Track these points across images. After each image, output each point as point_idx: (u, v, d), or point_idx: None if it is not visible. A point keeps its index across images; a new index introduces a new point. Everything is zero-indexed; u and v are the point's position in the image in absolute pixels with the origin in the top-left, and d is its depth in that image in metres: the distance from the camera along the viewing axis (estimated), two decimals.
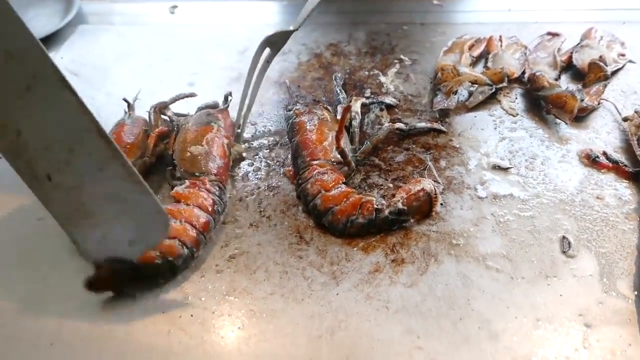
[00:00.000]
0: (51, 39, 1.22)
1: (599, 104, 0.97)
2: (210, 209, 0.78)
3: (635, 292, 0.70)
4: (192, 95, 1.00)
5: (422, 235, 0.79)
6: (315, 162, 0.84)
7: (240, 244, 0.79)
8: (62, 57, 1.18)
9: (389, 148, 0.92)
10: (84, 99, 1.03)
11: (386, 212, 0.78)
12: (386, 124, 0.93)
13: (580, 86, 1.00)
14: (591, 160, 0.87)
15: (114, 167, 0.63)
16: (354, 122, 0.92)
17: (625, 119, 0.94)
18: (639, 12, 1.23)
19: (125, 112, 0.97)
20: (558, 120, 0.95)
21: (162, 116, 0.96)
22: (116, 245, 0.69)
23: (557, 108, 0.94)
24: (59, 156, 0.62)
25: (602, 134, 0.93)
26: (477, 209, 0.82)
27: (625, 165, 0.86)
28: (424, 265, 0.75)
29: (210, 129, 0.89)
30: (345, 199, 0.79)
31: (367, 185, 0.86)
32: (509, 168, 0.88)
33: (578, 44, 1.08)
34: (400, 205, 0.78)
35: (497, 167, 0.88)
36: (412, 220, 0.80)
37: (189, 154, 0.85)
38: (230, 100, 0.99)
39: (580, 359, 0.64)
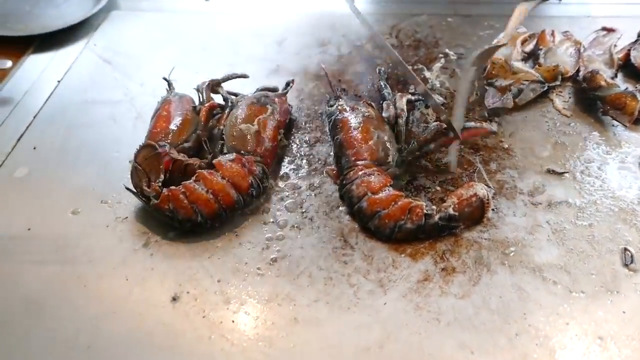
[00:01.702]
0: (83, 26, 1.19)
1: None
2: (244, 190, 0.77)
3: None
4: (244, 76, 0.98)
5: (473, 242, 0.75)
6: (360, 163, 0.80)
7: (281, 247, 0.75)
8: (95, 45, 1.15)
9: None
10: (117, 89, 1.03)
11: (436, 217, 0.74)
12: (433, 123, 0.87)
13: (639, 87, 0.95)
14: None
15: None
16: (399, 120, 0.88)
17: None
18: None
19: (168, 90, 0.95)
20: (615, 123, 0.90)
21: (213, 94, 0.94)
22: None
23: (616, 109, 0.89)
24: None
25: None
26: (531, 216, 0.78)
27: None
28: (476, 275, 0.71)
29: (265, 110, 0.87)
30: (393, 203, 0.75)
31: (414, 187, 0.82)
32: (563, 173, 0.83)
33: (636, 41, 1.03)
34: (451, 211, 0.74)
35: (551, 172, 0.83)
36: (462, 227, 0.76)
37: (239, 130, 0.83)
38: (291, 87, 0.95)
39: None
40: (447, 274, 0.71)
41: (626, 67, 1.01)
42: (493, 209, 0.78)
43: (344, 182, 0.80)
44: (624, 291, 0.69)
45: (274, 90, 0.93)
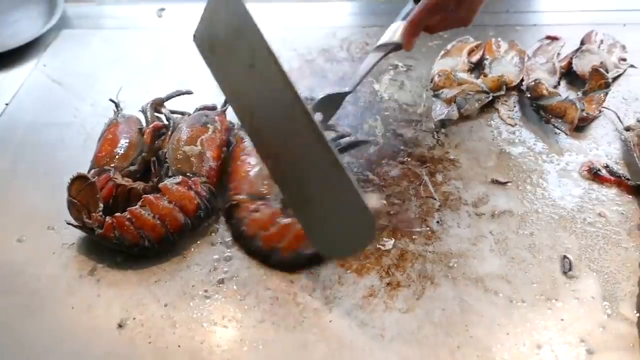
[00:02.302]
0: (33, 45, 1.18)
1: (599, 112, 0.94)
2: (192, 212, 0.77)
3: (638, 315, 0.68)
4: (188, 92, 0.98)
5: (418, 256, 0.76)
6: (239, 197, 0.80)
7: (229, 268, 0.76)
8: (44, 65, 1.14)
9: (383, 162, 0.89)
10: (67, 110, 1.02)
11: None
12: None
13: (580, 94, 0.97)
14: (593, 174, 0.84)
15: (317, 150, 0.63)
16: None
17: (627, 129, 0.91)
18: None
19: (115, 112, 0.94)
20: (558, 131, 0.92)
21: (157, 114, 0.94)
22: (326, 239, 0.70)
23: (557, 118, 0.91)
24: (279, 136, 0.69)
25: (603, 145, 0.90)
26: (475, 227, 0.79)
27: (628, 179, 0.83)
28: (420, 288, 0.72)
29: (206, 129, 0.87)
30: (287, 233, 0.76)
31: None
32: (507, 182, 0.85)
33: (578, 49, 1.05)
34: None
35: (495, 181, 0.85)
36: None
37: (182, 153, 0.83)
38: (228, 105, 0.95)
39: None
40: (392, 288, 0.72)
41: (569, 75, 1.04)
42: (438, 221, 0.80)
43: (233, 221, 0.80)
44: (563, 298, 0.70)
45: (213, 108, 0.94)
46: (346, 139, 0.92)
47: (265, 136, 0.71)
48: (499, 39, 1.10)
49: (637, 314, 0.68)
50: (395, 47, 0.88)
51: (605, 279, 0.72)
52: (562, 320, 0.68)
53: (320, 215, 0.68)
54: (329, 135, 0.93)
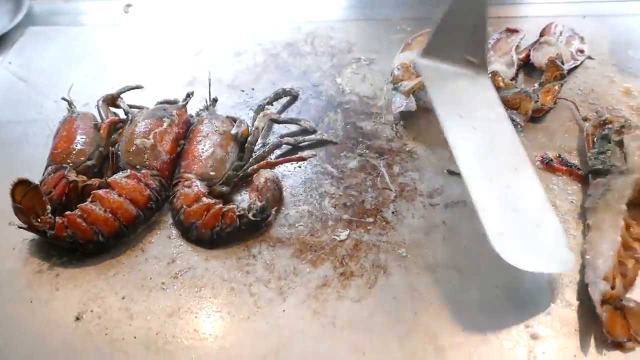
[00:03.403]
0: None
1: (555, 103, 0.96)
2: (143, 204, 0.78)
3: (578, 302, 0.70)
4: (138, 87, 1.01)
5: (372, 246, 0.78)
6: (185, 175, 0.83)
7: (187, 260, 0.77)
8: (10, 62, 1.14)
9: (342, 154, 0.91)
10: (31, 107, 1.03)
11: (250, 215, 0.77)
12: (274, 140, 0.91)
13: (537, 85, 0.99)
14: (545, 164, 0.87)
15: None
16: (250, 138, 0.89)
17: (585, 119, 0.93)
18: (599, 5, 1.22)
19: (69, 110, 0.95)
20: (514, 123, 0.94)
21: (114, 108, 0.96)
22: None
23: (512, 109, 0.93)
24: None
25: (559, 135, 0.92)
26: (429, 217, 0.81)
27: (579, 169, 0.85)
28: (373, 278, 0.74)
29: (161, 123, 0.88)
30: (206, 212, 0.78)
31: (319, 194, 0.85)
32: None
33: (536, 41, 1.07)
34: (259, 204, 0.77)
35: (450, 172, 0.87)
36: (273, 212, 0.80)
37: (134, 146, 0.84)
38: (190, 98, 0.98)
39: None
40: (346, 278, 0.74)
41: (527, 66, 1.06)
42: (393, 212, 0.82)
43: (170, 194, 0.83)
44: (511, 286, 0.72)
45: (174, 102, 0.95)
46: (311, 137, 0.93)
47: None
48: None
49: (578, 301, 0.70)
50: None
51: None
52: (509, 307, 0.70)
53: None
54: (292, 128, 0.95)
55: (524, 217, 0.73)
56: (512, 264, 0.67)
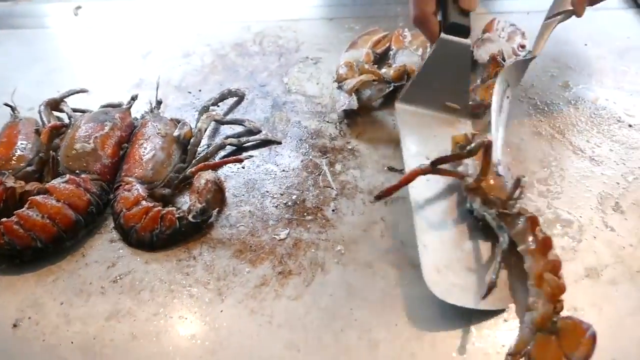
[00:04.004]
0: None
1: None
2: (82, 209, 0.78)
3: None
4: (83, 90, 1.01)
5: (311, 244, 0.79)
6: (126, 179, 0.83)
7: (128, 264, 0.77)
8: None
9: (285, 153, 0.92)
10: None
11: (190, 217, 0.78)
12: (218, 140, 0.92)
13: (479, 82, 1.01)
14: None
15: None
16: (193, 140, 0.89)
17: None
18: (544, 1, 1.23)
19: (12, 115, 0.94)
20: None
21: (58, 113, 0.95)
22: None
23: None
24: None
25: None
26: (368, 214, 0.82)
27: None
28: (311, 276, 0.75)
29: (102, 127, 0.88)
30: (144, 216, 0.78)
31: (261, 194, 0.85)
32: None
33: (479, 38, 1.09)
34: (199, 205, 0.78)
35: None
36: (214, 213, 0.81)
37: (74, 151, 0.84)
38: (134, 101, 0.98)
39: None
40: (284, 277, 0.75)
41: (472, 64, 1.07)
42: (333, 210, 0.83)
43: (112, 197, 0.83)
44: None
45: (117, 106, 0.95)
46: (255, 137, 0.94)
47: None
48: (405, 29, 1.13)
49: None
50: (568, 13, 0.92)
51: None
52: (442, 302, 0.71)
53: None
54: (237, 129, 0.96)
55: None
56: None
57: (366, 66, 1.01)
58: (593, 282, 0.72)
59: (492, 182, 0.77)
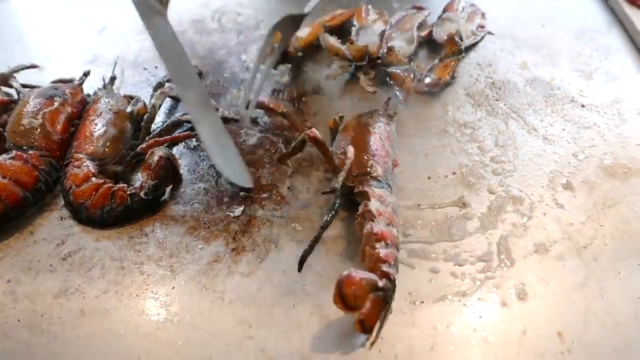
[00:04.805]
0: None
1: (452, 78, 0.99)
2: (31, 186, 0.77)
3: None
4: (33, 66, 0.99)
5: (265, 221, 0.78)
6: (76, 155, 0.81)
7: (77, 241, 0.76)
8: None
9: (242, 131, 0.91)
10: None
11: (141, 194, 0.77)
12: (174, 117, 0.90)
13: (437, 61, 1.02)
14: None
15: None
16: (146, 117, 0.88)
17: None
18: None
19: None
20: (413, 96, 0.96)
21: (7, 88, 0.93)
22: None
23: (398, 86, 0.96)
24: None
25: (452, 108, 0.95)
26: (324, 190, 0.82)
27: None
28: (264, 252, 0.75)
29: (52, 103, 0.86)
30: (94, 192, 0.77)
31: (216, 172, 0.84)
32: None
33: (439, 17, 1.09)
34: (151, 182, 0.78)
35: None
36: (168, 190, 0.81)
37: (22, 127, 0.82)
38: (86, 77, 0.96)
39: (409, 336, 0.66)
40: (237, 253, 0.75)
41: (431, 43, 1.08)
42: (289, 187, 0.83)
43: (62, 175, 0.81)
44: None
45: (69, 82, 0.93)
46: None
47: None
48: (369, 6, 1.12)
49: None
50: None
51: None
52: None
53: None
54: None
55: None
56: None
57: (331, 40, 1.00)
58: (541, 258, 0.74)
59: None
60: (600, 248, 0.74)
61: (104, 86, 0.93)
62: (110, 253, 0.75)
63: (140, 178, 0.82)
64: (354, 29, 1.07)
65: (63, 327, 0.67)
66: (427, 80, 0.96)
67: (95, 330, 0.67)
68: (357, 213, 0.73)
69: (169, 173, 0.80)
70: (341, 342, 0.66)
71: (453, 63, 0.99)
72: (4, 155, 0.78)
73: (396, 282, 0.66)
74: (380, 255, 0.67)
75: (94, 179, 0.77)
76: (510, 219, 0.78)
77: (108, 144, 0.82)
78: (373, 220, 0.70)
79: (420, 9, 1.14)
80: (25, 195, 0.75)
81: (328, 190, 0.74)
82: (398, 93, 0.95)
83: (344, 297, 0.62)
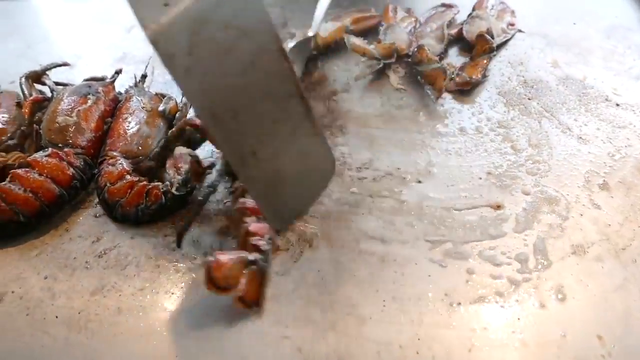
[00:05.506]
0: None
1: (484, 77, 0.98)
2: (66, 183, 0.77)
3: None
4: (65, 64, 0.98)
5: (299, 220, 0.78)
6: (110, 153, 0.82)
7: (113, 238, 0.76)
8: None
9: None
10: None
11: (174, 190, 0.77)
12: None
13: (468, 60, 1.01)
14: None
15: (305, 125, 0.65)
16: (178, 114, 0.88)
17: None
18: None
19: None
20: (444, 95, 0.95)
21: (41, 86, 0.93)
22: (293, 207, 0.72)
23: (429, 84, 0.95)
24: (265, 128, 0.63)
25: (485, 108, 0.94)
26: (356, 191, 0.82)
27: None
28: (298, 252, 0.75)
29: (85, 101, 0.86)
30: (129, 190, 0.77)
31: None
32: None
33: (469, 15, 1.08)
34: (179, 177, 0.78)
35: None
36: (195, 184, 0.81)
37: (57, 124, 0.82)
38: (118, 75, 0.96)
39: (446, 338, 0.66)
40: (272, 252, 0.74)
41: (462, 41, 1.07)
42: None
43: (96, 172, 0.82)
44: (428, 259, 0.74)
45: (101, 79, 0.93)
46: None
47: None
48: (398, 6, 1.12)
49: None
50: None
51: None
52: (428, 276, 0.72)
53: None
54: None
55: None
56: None
57: (357, 42, 1.00)
58: (579, 259, 0.73)
59: None
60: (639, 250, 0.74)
61: (135, 84, 0.94)
62: (145, 251, 0.75)
63: (167, 176, 0.82)
64: (381, 29, 1.06)
65: (100, 325, 0.68)
66: (458, 79, 0.95)
67: (131, 327, 0.67)
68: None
69: (194, 169, 0.79)
70: (379, 342, 0.65)
71: (484, 61, 0.98)
72: (41, 153, 0.78)
73: (270, 250, 0.69)
74: (250, 229, 0.69)
75: (128, 176, 0.78)
76: (546, 220, 0.77)
77: (141, 142, 0.82)
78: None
79: (449, 6, 1.13)
80: (61, 193, 0.76)
81: None
82: (430, 92, 0.95)
83: (215, 281, 0.64)
